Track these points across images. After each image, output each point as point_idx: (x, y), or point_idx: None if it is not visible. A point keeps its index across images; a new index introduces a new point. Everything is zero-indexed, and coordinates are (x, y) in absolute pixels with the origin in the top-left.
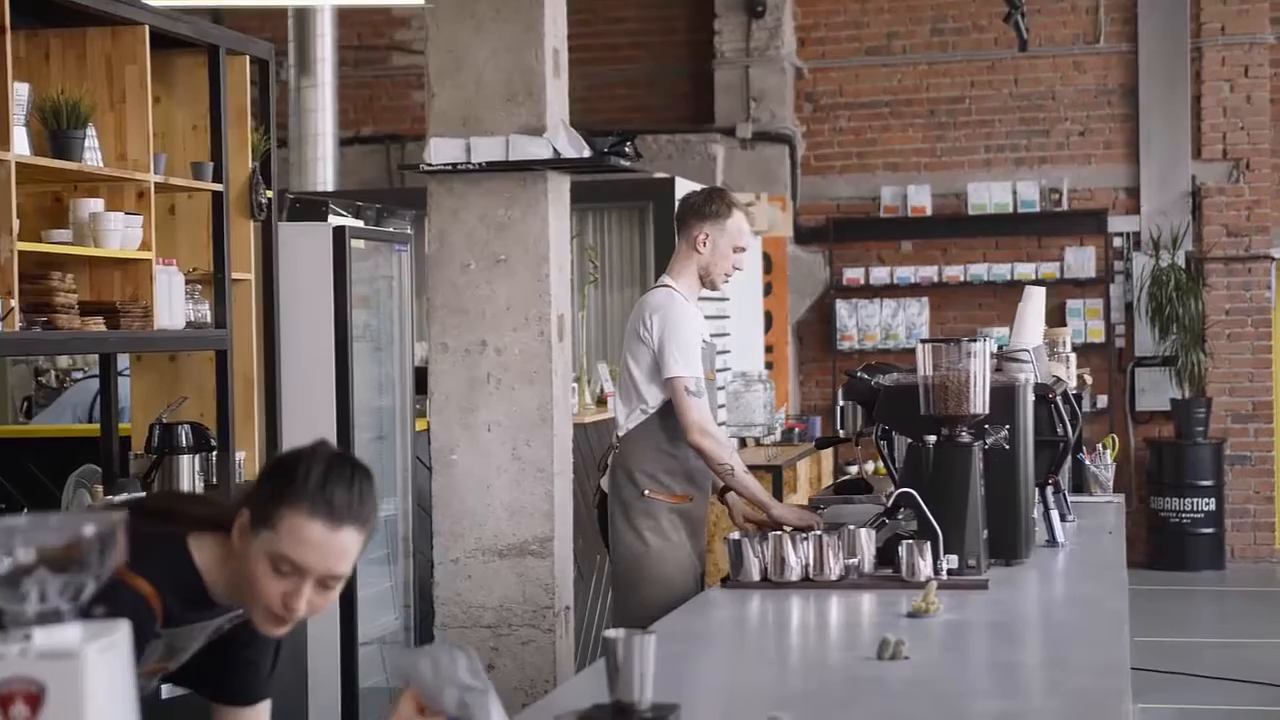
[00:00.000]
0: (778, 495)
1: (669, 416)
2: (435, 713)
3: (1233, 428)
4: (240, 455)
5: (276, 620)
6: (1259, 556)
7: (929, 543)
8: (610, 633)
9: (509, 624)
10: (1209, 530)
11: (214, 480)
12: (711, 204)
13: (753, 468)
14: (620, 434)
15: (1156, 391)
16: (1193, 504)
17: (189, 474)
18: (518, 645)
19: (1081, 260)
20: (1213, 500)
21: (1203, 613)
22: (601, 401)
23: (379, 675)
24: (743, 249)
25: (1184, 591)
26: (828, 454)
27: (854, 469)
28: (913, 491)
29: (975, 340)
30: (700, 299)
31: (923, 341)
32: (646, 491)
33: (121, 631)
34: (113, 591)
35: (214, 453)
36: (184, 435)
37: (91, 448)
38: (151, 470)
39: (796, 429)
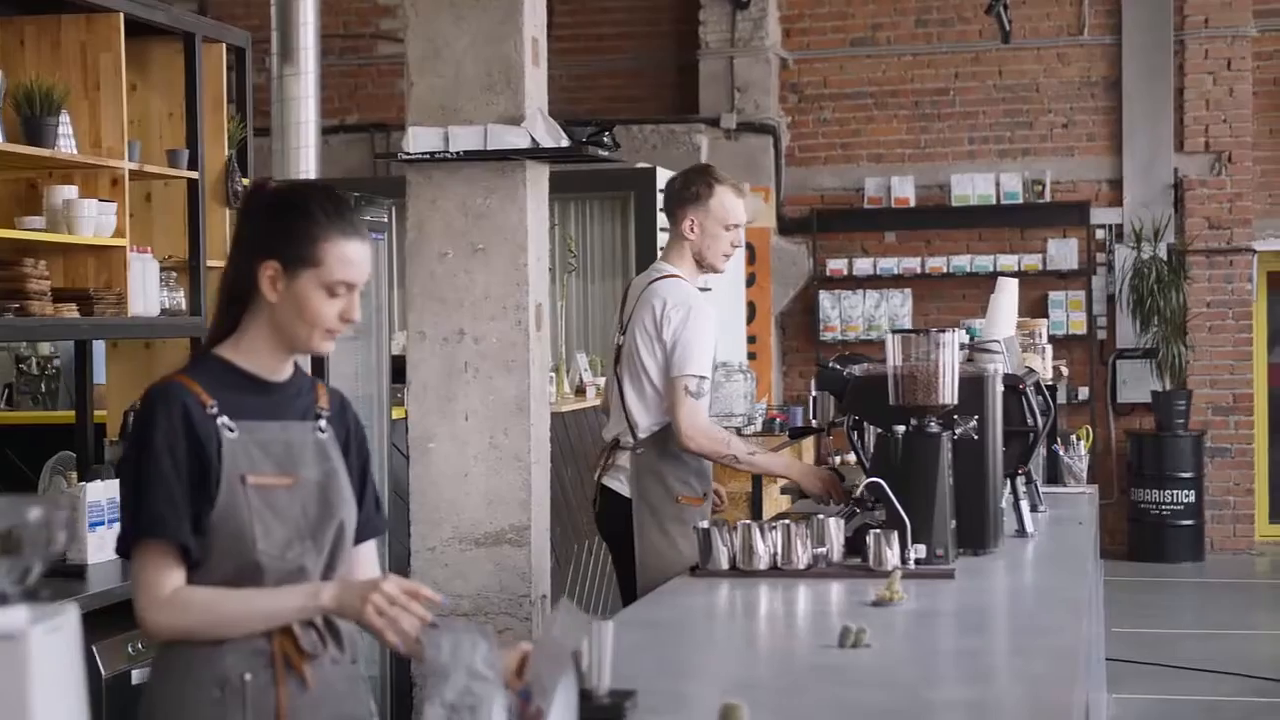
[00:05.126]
0: (756, 486)
1: None
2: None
3: (1213, 420)
4: None
5: (329, 335)
6: (1238, 548)
7: (897, 532)
8: None
9: (486, 612)
10: (1189, 522)
11: None
12: (690, 187)
13: None
14: (640, 435)
15: (1138, 383)
16: (1173, 496)
17: None
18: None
19: (1064, 252)
20: (1193, 492)
21: (1182, 604)
22: (580, 391)
23: None
24: (735, 225)
25: (1163, 583)
26: (810, 444)
27: (837, 459)
28: (881, 481)
29: (944, 331)
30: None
31: (893, 332)
32: (680, 498)
33: (69, 614)
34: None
35: None
36: None
37: (69, 434)
38: None
39: (778, 419)
